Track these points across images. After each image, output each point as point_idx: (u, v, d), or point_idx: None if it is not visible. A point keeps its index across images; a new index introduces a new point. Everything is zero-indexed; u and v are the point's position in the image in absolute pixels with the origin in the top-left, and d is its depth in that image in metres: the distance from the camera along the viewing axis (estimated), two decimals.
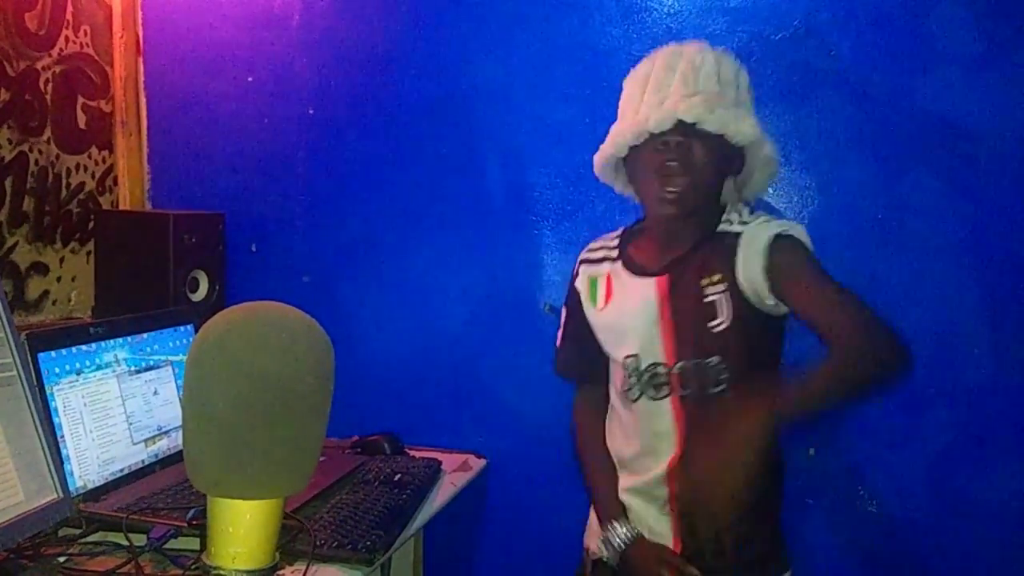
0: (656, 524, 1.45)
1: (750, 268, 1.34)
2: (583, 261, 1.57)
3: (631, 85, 1.44)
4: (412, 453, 1.90)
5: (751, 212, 1.42)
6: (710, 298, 1.36)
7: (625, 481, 1.50)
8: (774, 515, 1.49)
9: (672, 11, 1.85)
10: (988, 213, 1.69)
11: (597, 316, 1.52)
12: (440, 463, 1.83)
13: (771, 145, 1.40)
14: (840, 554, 1.80)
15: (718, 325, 1.36)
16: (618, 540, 1.46)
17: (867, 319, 1.30)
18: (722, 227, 1.40)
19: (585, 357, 1.58)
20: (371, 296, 2.12)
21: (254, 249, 2.21)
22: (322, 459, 1.69)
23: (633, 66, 1.47)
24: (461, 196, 2.03)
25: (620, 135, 1.39)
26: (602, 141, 1.94)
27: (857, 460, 1.78)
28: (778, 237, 1.34)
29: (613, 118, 1.90)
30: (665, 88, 1.35)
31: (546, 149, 1.95)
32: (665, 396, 1.40)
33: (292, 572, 1.21)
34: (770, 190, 1.79)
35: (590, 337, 1.54)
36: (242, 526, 0.67)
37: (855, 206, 1.76)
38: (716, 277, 1.36)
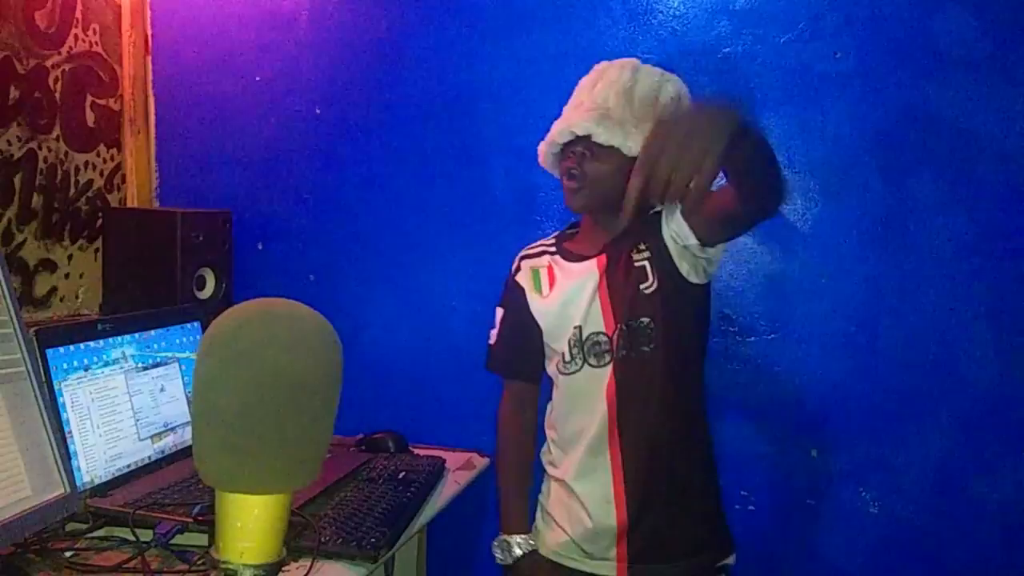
0: (604, 507, 1.48)
1: (672, 221, 1.43)
2: (523, 257, 1.67)
3: (576, 88, 1.56)
4: (416, 451, 1.91)
5: None
6: (639, 263, 1.47)
7: (568, 461, 1.54)
8: (715, 496, 1.55)
9: (678, 13, 1.85)
10: (991, 215, 1.69)
11: (542, 303, 1.58)
12: (444, 461, 1.83)
13: (677, 87, 1.50)
14: (842, 555, 1.80)
15: (648, 287, 1.46)
16: (517, 550, 1.62)
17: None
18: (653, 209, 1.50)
19: (521, 352, 1.65)
20: (377, 294, 2.13)
21: (261, 247, 2.22)
22: (328, 456, 1.72)
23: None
24: (467, 196, 2.04)
25: (544, 144, 1.55)
26: None
27: (859, 461, 1.78)
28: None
29: None
30: (578, 102, 1.51)
31: None
32: (607, 363, 1.47)
33: (297, 568, 1.23)
34: None
35: (529, 330, 1.60)
36: (250, 521, 0.67)
37: (859, 208, 1.77)
38: (643, 246, 1.48)
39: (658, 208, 1.48)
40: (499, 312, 1.69)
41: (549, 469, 1.62)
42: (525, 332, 1.61)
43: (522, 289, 1.63)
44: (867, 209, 1.76)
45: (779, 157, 1.63)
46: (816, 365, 1.80)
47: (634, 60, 1.51)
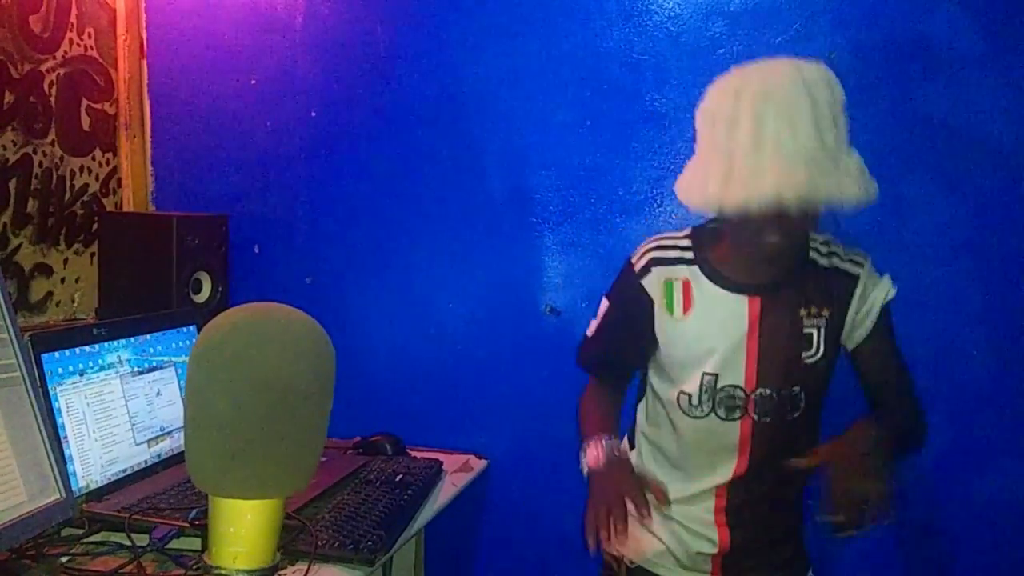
0: (707, 532, 1.44)
1: (864, 319, 1.38)
2: (656, 260, 1.41)
3: (717, 119, 1.25)
4: (414, 454, 1.91)
5: (829, 239, 1.43)
6: (808, 329, 1.35)
7: (675, 490, 1.41)
8: (800, 516, 1.52)
9: (673, 14, 1.85)
10: (988, 215, 1.69)
11: (673, 324, 1.39)
12: (441, 464, 1.83)
13: (872, 190, 1.27)
14: (843, 556, 1.80)
15: (811, 357, 1.36)
16: (603, 447, 1.37)
17: (916, 411, 1.42)
18: (815, 256, 1.39)
19: (620, 356, 1.50)
20: (373, 298, 2.13)
21: (257, 251, 2.22)
22: (324, 460, 1.71)
23: (633, 68, 1.47)
24: (463, 198, 2.04)
25: (710, 203, 1.24)
26: (604, 143, 1.95)
27: None
28: (889, 302, 1.40)
29: (614, 121, 1.92)
30: (759, 154, 1.18)
31: (547, 152, 1.96)
32: (737, 418, 1.37)
33: (294, 572, 1.22)
34: None
35: (641, 342, 1.43)
36: (243, 526, 0.67)
37: (854, 208, 1.76)
38: (817, 310, 1.36)
39: (826, 255, 1.38)
40: (604, 304, 1.49)
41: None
42: (635, 342, 1.44)
43: (650, 299, 1.40)
44: (862, 208, 1.75)
45: None
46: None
47: (793, 63, 1.25)
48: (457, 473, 1.86)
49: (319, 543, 1.28)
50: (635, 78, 1.88)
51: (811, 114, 1.19)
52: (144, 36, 2.28)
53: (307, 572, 1.22)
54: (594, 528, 1.24)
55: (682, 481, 1.45)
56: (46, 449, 1.18)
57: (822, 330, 1.36)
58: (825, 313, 1.36)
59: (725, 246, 1.37)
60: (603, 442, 1.37)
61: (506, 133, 1.99)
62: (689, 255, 1.39)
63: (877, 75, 1.74)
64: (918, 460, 1.74)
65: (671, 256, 1.40)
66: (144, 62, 2.29)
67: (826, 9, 1.75)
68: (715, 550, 1.44)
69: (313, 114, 2.15)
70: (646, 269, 1.41)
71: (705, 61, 1.83)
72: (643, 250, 1.43)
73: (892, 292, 1.40)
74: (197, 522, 1.26)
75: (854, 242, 1.75)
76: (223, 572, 0.67)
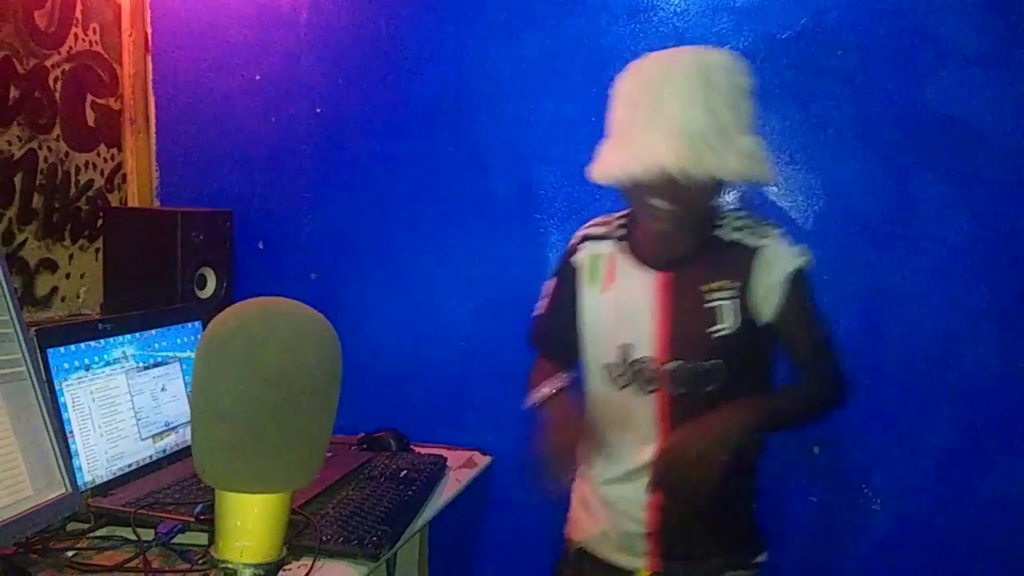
0: (636, 513, 1.46)
1: (768, 292, 1.38)
2: (587, 236, 1.53)
3: (619, 103, 1.38)
4: (418, 450, 1.91)
5: (743, 215, 1.44)
6: (711, 304, 1.39)
7: (607, 470, 1.50)
8: (748, 509, 1.53)
9: (679, 10, 1.85)
10: (994, 212, 1.69)
11: (595, 297, 1.49)
12: (445, 460, 1.83)
13: (766, 157, 1.35)
14: (845, 552, 1.80)
15: (719, 331, 1.38)
16: (554, 385, 1.50)
17: (838, 374, 1.47)
18: (721, 233, 1.42)
19: (562, 334, 1.55)
20: (377, 293, 2.13)
21: (261, 246, 2.22)
22: (329, 455, 1.71)
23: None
24: (467, 194, 2.04)
25: (609, 174, 1.35)
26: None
27: (861, 458, 1.78)
28: (798, 272, 1.39)
29: None
30: (653, 125, 1.29)
31: (552, 148, 1.95)
32: (653, 391, 1.42)
33: (299, 567, 1.23)
34: (775, 189, 1.79)
35: (573, 316, 1.52)
36: (250, 520, 0.67)
37: (861, 204, 1.76)
38: (720, 284, 1.39)
39: (739, 237, 1.40)
40: (550, 284, 1.59)
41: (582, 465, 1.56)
42: (572, 317, 1.51)
43: (576, 272, 1.52)
44: (869, 205, 1.76)
45: (782, 156, 1.65)
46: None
47: (697, 50, 1.36)
48: (461, 469, 1.86)
49: (324, 538, 1.28)
50: None
51: (704, 95, 1.28)
52: (149, 32, 2.28)
53: (312, 567, 1.22)
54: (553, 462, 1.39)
55: (614, 462, 1.49)
56: (52, 444, 1.19)
57: (731, 302, 1.39)
58: (731, 287, 1.39)
59: (646, 227, 1.45)
60: (558, 380, 1.50)
61: (511, 129, 1.99)
62: (619, 233, 1.50)
63: (884, 71, 1.73)
64: (920, 457, 1.74)
65: (601, 232, 1.52)
66: (149, 58, 2.29)
67: (833, 5, 1.75)
68: (644, 531, 1.45)
69: (318, 110, 2.15)
70: (577, 246, 1.54)
71: None
72: (580, 230, 1.56)
73: (800, 261, 1.39)
74: (202, 517, 1.27)
75: (859, 238, 1.76)
76: (230, 565, 0.67)
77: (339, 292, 2.14)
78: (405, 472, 1.68)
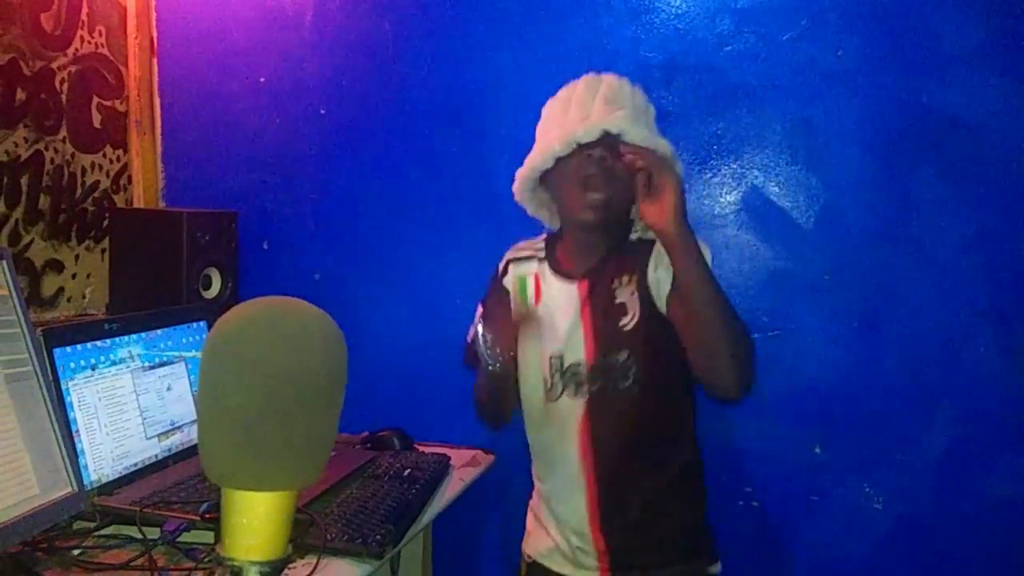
0: (581, 528, 1.48)
1: (661, 276, 1.39)
2: (511, 260, 1.60)
3: (551, 108, 1.50)
4: (421, 449, 1.92)
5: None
6: (619, 299, 1.44)
7: (552, 485, 1.54)
8: (699, 515, 1.53)
9: (680, 12, 1.86)
10: (994, 211, 1.69)
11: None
12: (449, 458, 1.84)
13: (680, 165, 1.44)
14: (846, 551, 1.81)
15: (627, 323, 1.42)
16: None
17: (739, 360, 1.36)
18: (633, 236, 1.48)
19: None
20: (381, 293, 2.14)
21: (266, 247, 2.24)
22: (333, 454, 1.72)
23: (641, 65, 1.49)
24: (471, 194, 2.05)
25: (547, 147, 1.43)
26: None
27: (863, 458, 1.79)
28: None
29: None
30: (588, 107, 1.41)
31: None
32: (582, 395, 1.45)
33: (303, 565, 1.24)
34: (776, 188, 1.80)
35: None
36: (256, 518, 0.68)
37: (861, 205, 1.77)
38: (625, 279, 1.44)
39: (645, 235, 1.45)
40: (479, 309, 1.62)
41: (536, 480, 1.62)
42: None
43: (507, 293, 1.58)
44: (869, 205, 1.77)
45: (782, 157, 1.65)
46: (819, 362, 1.80)
47: (615, 75, 1.49)
48: (465, 468, 1.87)
49: (328, 537, 1.29)
50: (642, 76, 1.87)
51: (631, 92, 1.44)
52: (154, 34, 2.30)
53: (316, 565, 1.23)
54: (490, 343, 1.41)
55: (557, 475, 1.51)
56: (58, 443, 1.20)
57: (632, 297, 1.43)
58: (630, 279, 1.44)
59: (567, 243, 1.53)
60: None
61: (514, 130, 1.99)
62: (541, 254, 1.56)
63: (884, 71, 1.74)
64: (922, 456, 1.75)
65: (524, 255, 1.59)
66: (154, 60, 2.30)
67: (833, 6, 1.76)
68: (591, 549, 1.47)
69: (322, 111, 2.16)
70: (504, 270, 1.60)
71: (712, 59, 1.83)
72: (506, 256, 1.62)
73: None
74: (208, 515, 1.28)
75: (859, 238, 1.77)
76: (236, 563, 0.68)
77: (343, 292, 2.15)
78: (409, 471, 1.69)
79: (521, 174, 1.51)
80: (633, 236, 1.48)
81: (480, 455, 1.97)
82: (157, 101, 2.31)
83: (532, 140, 1.97)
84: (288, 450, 0.66)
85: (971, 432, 1.72)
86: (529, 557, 1.62)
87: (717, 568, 1.52)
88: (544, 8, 1.96)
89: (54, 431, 1.20)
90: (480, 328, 1.44)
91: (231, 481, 0.67)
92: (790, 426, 1.83)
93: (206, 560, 1.23)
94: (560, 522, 1.52)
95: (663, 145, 1.39)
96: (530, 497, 1.66)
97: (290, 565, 1.22)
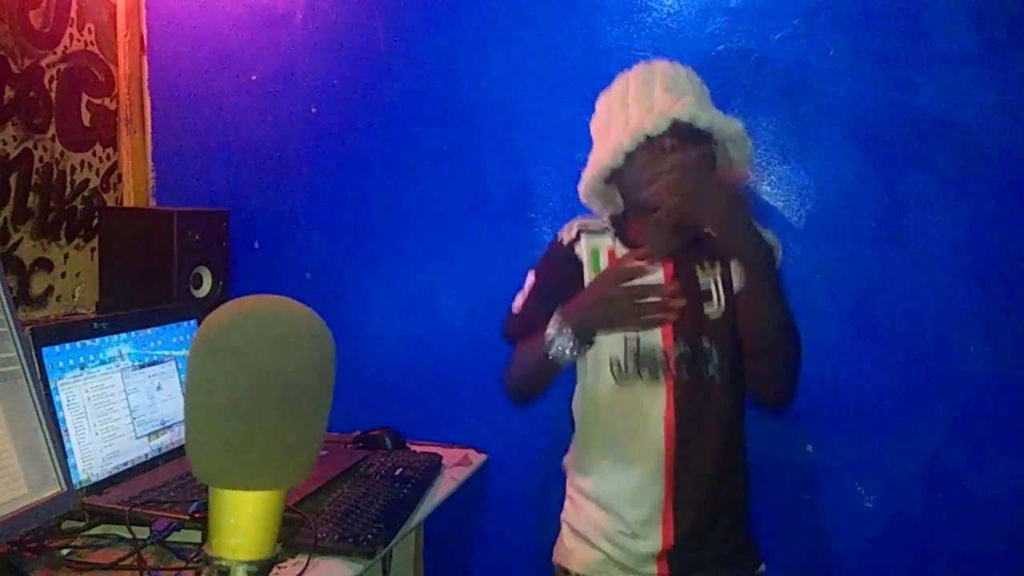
0: (647, 531, 1.44)
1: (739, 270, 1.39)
2: (584, 229, 1.52)
3: (608, 102, 1.48)
4: (413, 448, 1.92)
5: None
6: (704, 285, 1.44)
7: (612, 481, 1.48)
8: (747, 519, 1.53)
9: (672, 11, 1.86)
10: (985, 211, 1.70)
11: None
12: (441, 458, 1.84)
13: (750, 144, 1.45)
14: (838, 550, 1.81)
15: (712, 311, 1.43)
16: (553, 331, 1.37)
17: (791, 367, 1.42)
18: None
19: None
20: (373, 292, 2.13)
21: (257, 246, 2.23)
22: (324, 453, 1.72)
23: (630, 67, 1.49)
24: (463, 194, 2.04)
25: (615, 145, 1.39)
26: None
27: (855, 456, 1.79)
28: (769, 251, 1.37)
29: None
30: (647, 99, 1.39)
31: (547, 148, 1.96)
32: (660, 379, 1.43)
33: (294, 565, 1.23)
34: (767, 187, 1.80)
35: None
36: (243, 517, 0.67)
37: (853, 204, 1.77)
38: (708, 265, 1.44)
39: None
40: (531, 278, 1.55)
41: (578, 480, 1.55)
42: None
43: (580, 263, 1.50)
44: (861, 205, 1.77)
45: (774, 156, 1.66)
46: (811, 361, 1.79)
47: (668, 60, 1.47)
48: (457, 467, 1.87)
49: (319, 536, 1.29)
50: None
51: (688, 76, 1.43)
52: (144, 32, 2.29)
53: (307, 565, 1.23)
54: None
55: (620, 469, 1.47)
56: (47, 442, 1.19)
57: (718, 284, 1.43)
58: (717, 267, 1.44)
59: (635, 226, 1.49)
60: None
61: (506, 129, 1.99)
62: (612, 230, 1.51)
63: (876, 71, 1.74)
64: (913, 455, 1.75)
65: (597, 228, 1.53)
66: (144, 58, 2.29)
67: (825, 6, 1.76)
68: (655, 548, 1.44)
69: (313, 110, 2.16)
70: (576, 238, 1.52)
71: (705, 57, 1.83)
72: (571, 225, 1.55)
73: (772, 243, 1.41)
74: (198, 515, 1.27)
75: (851, 238, 1.77)
76: (223, 563, 0.67)
77: (335, 291, 2.14)
78: (400, 470, 1.69)
79: (588, 175, 1.47)
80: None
81: (472, 454, 1.97)
82: (147, 99, 2.30)
83: (524, 138, 1.98)
84: (275, 449, 0.65)
85: (962, 431, 1.72)
86: (569, 572, 1.55)
87: (763, 568, 1.52)
88: (536, 7, 1.95)
89: (42, 430, 1.19)
90: (558, 316, 1.34)
91: (218, 480, 0.67)
92: (782, 425, 1.83)
93: (196, 560, 1.22)
94: (622, 523, 1.46)
95: (733, 123, 1.39)
96: (562, 506, 1.61)
97: (281, 564, 1.22)
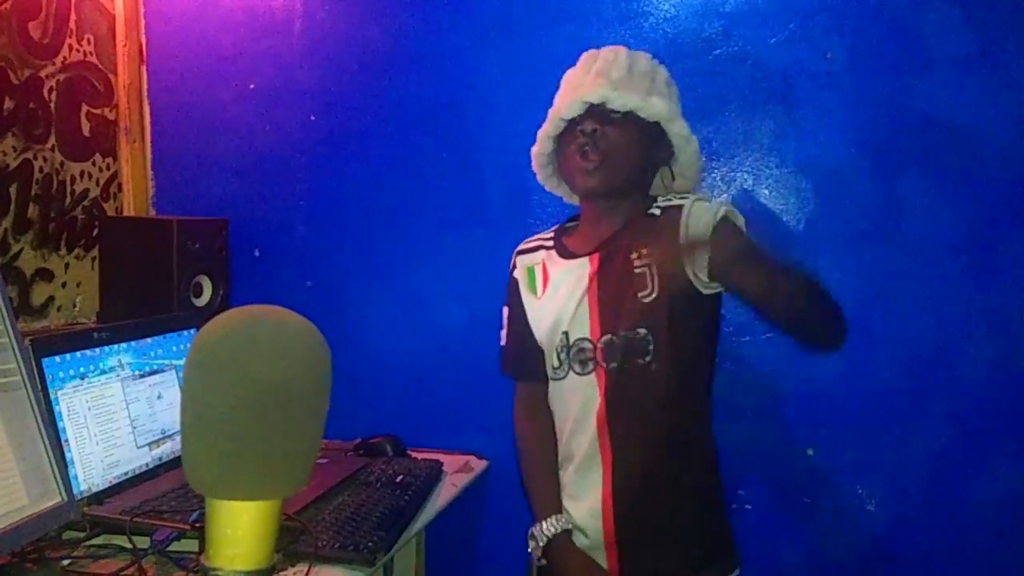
0: (590, 518, 1.44)
1: (697, 247, 1.36)
2: (519, 252, 1.61)
3: (558, 90, 1.51)
4: (414, 455, 1.92)
5: (668, 195, 1.47)
6: (639, 270, 1.39)
7: (566, 472, 1.50)
8: (717, 509, 1.50)
9: (668, 16, 1.86)
10: (983, 213, 1.70)
11: (537, 304, 1.53)
12: (441, 464, 1.84)
13: (685, 124, 1.43)
14: (839, 553, 1.81)
15: (647, 296, 1.38)
16: (550, 530, 1.47)
17: (813, 286, 1.30)
18: (653, 210, 1.43)
19: (524, 352, 1.57)
20: (373, 299, 2.13)
21: (257, 254, 2.23)
22: (325, 461, 1.73)
23: None
24: (461, 200, 2.05)
25: (541, 131, 1.48)
26: None
27: (855, 459, 1.79)
28: (724, 219, 1.34)
29: None
30: (579, 82, 1.44)
31: None
32: (591, 371, 1.43)
33: (295, 573, 1.23)
34: (765, 191, 1.80)
35: (528, 330, 1.55)
36: (240, 527, 0.67)
37: (851, 207, 1.77)
38: (644, 250, 1.39)
39: (661, 204, 1.43)
40: (505, 312, 1.63)
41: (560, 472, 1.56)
42: (526, 331, 1.55)
43: (518, 289, 1.57)
44: (859, 208, 1.77)
45: (772, 160, 1.66)
46: (811, 364, 1.80)
47: (619, 46, 1.47)
48: (457, 474, 1.87)
49: (320, 544, 1.29)
50: None
51: (628, 61, 1.42)
52: (143, 42, 2.29)
53: (308, 573, 1.23)
54: None
55: (566, 466, 1.49)
56: (47, 452, 1.19)
57: (652, 267, 1.38)
58: (651, 250, 1.39)
59: (578, 228, 1.54)
60: (552, 523, 1.47)
61: (504, 135, 2.00)
62: (550, 243, 1.56)
63: (872, 74, 1.74)
64: (914, 458, 1.75)
65: (532, 246, 1.59)
66: (143, 68, 2.30)
67: (821, 9, 1.76)
68: (601, 540, 1.43)
69: (312, 118, 2.16)
70: (514, 264, 1.60)
71: (701, 62, 1.83)
72: (515, 251, 1.62)
73: (724, 208, 1.35)
74: (198, 524, 1.27)
75: (850, 241, 1.77)
76: (220, 573, 0.68)
77: (335, 299, 2.15)
78: (401, 477, 1.69)
79: (533, 161, 1.55)
80: (657, 211, 1.43)
81: (473, 461, 1.97)
82: (147, 108, 2.31)
83: (521, 145, 1.98)
84: (271, 459, 0.65)
85: (963, 434, 1.72)
86: (539, 560, 1.53)
87: (737, 573, 1.48)
88: (533, 13, 1.96)
89: (43, 441, 1.19)
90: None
91: (214, 490, 0.67)
92: (782, 428, 1.83)
93: (196, 569, 1.22)
94: (573, 514, 1.47)
95: (654, 106, 1.38)
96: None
97: (282, 573, 1.22)
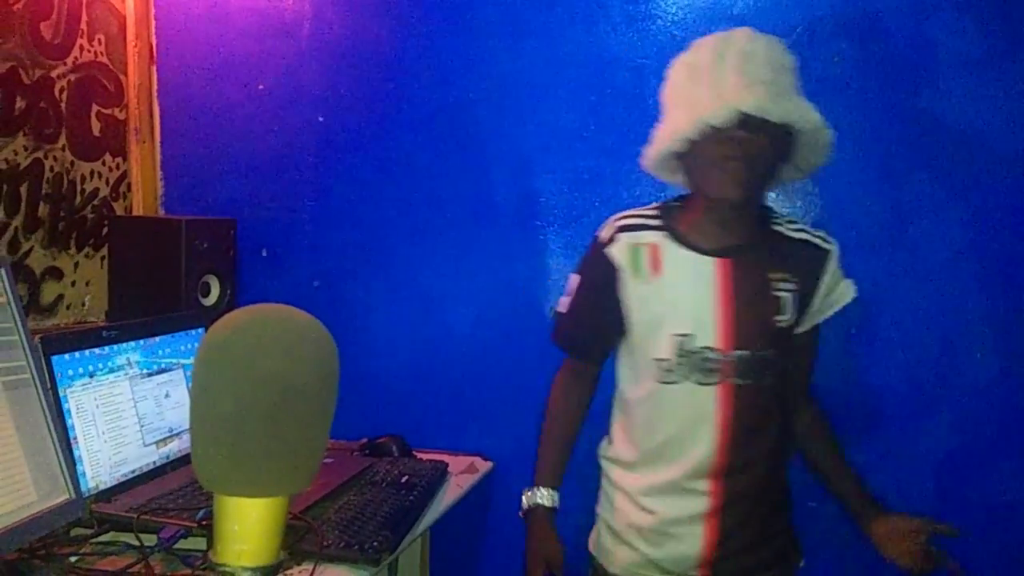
0: (689, 530, 1.42)
1: (825, 308, 1.46)
2: (622, 228, 1.44)
3: (678, 75, 1.38)
4: (419, 455, 1.92)
5: (793, 217, 1.49)
6: (779, 293, 1.39)
7: (650, 478, 1.44)
8: (790, 515, 1.55)
9: (676, 19, 1.86)
10: (989, 216, 1.70)
11: (641, 287, 1.41)
12: (447, 465, 1.85)
13: (831, 131, 1.35)
14: (844, 556, 1.80)
15: (782, 321, 1.39)
16: (536, 499, 1.60)
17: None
18: (781, 229, 1.44)
19: (595, 333, 1.52)
20: (380, 300, 2.14)
21: (265, 254, 2.24)
22: (331, 461, 1.73)
23: (638, 72, 1.50)
24: (468, 201, 2.05)
25: (677, 130, 1.31)
26: (607, 147, 1.96)
27: (861, 462, 1.78)
28: (845, 304, 1.47)
29: (618, 124, 1.93)
30: (719, 79, 1.29)
31: (552, 155, 1.97)
32: (714, 382, 1.37)
33: (300, 572, 1.24)
34: (772, 193, 1.80)
35: (610, 313, 1.45)
36: (247, 524, 0.68)
37: (858, 210, 1.77)
38: (788, 275, 1.39)
39: (787, 226, 1.44)
40: (574, 280, 1.51)
41: (616, 476, 1.51)
42: (606, 314, 1.45)
43: (614, 267, 1.43)
44: (866, 211, 1.77)
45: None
46: (818, 368, 1.80)
47: (747, 29, 1.36)
48: (462, 475, 1.87)
49: (325, 543, 1.30)
50: (639, 82, 1.89)
51: (767, 54, 1.31)
52: (154, 42, 2.30)
53: (313, 572, 1.23)
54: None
55: (664, 467, 1.43)
56: (56, 450, 1.20)
57: (793, 296, 1.39)
58: (796, 280, 1.40)
59: (691, 214, 1.42)
60: (542, 494, 1.60)
61: (511, 137, 2.00)
62: (656, 223, 1.43)
63: (880, 78, 1.74)
64: (919, 460, 1.75)
65: (636, 223, 1.44)
66: (154, 68, 2.31)
67: (829, 12, 1.76)
68: (698, 550, 1.41)
69: (320, 119, 2.17)
70: (612, 238, 1.45)
71: None
72: (609, 222, 1.47)
73: (852, 296, 1.47)
74: (204, 522, 1.28)
75: (857, 244, 1.77)
76: (228, 569, 0.68)
77: (342, 299, 2.15)
78: (407, 477, 1.69)
79: (653, 151, 1.38)
80: (788, 231, 1.43)
81: (478, 462, 1.98)
82: (156, 109, 2.32)
83: (529, 146, 1.99)
84: (278, 457, 0.66)
85: (968, 437, 1.72)
86: (607, 572, 1.53)
87: (803, 563, 1.56)
88: (541, 15, 1.96)
89: (52, 438, 1.20)
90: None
91: (222, 487, 0.68)
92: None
93: (201, 566, 1.23)
94: (664, 522, 1.43)
95: (807, 115, 1.30)
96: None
97: (287, 571, 1.22)
